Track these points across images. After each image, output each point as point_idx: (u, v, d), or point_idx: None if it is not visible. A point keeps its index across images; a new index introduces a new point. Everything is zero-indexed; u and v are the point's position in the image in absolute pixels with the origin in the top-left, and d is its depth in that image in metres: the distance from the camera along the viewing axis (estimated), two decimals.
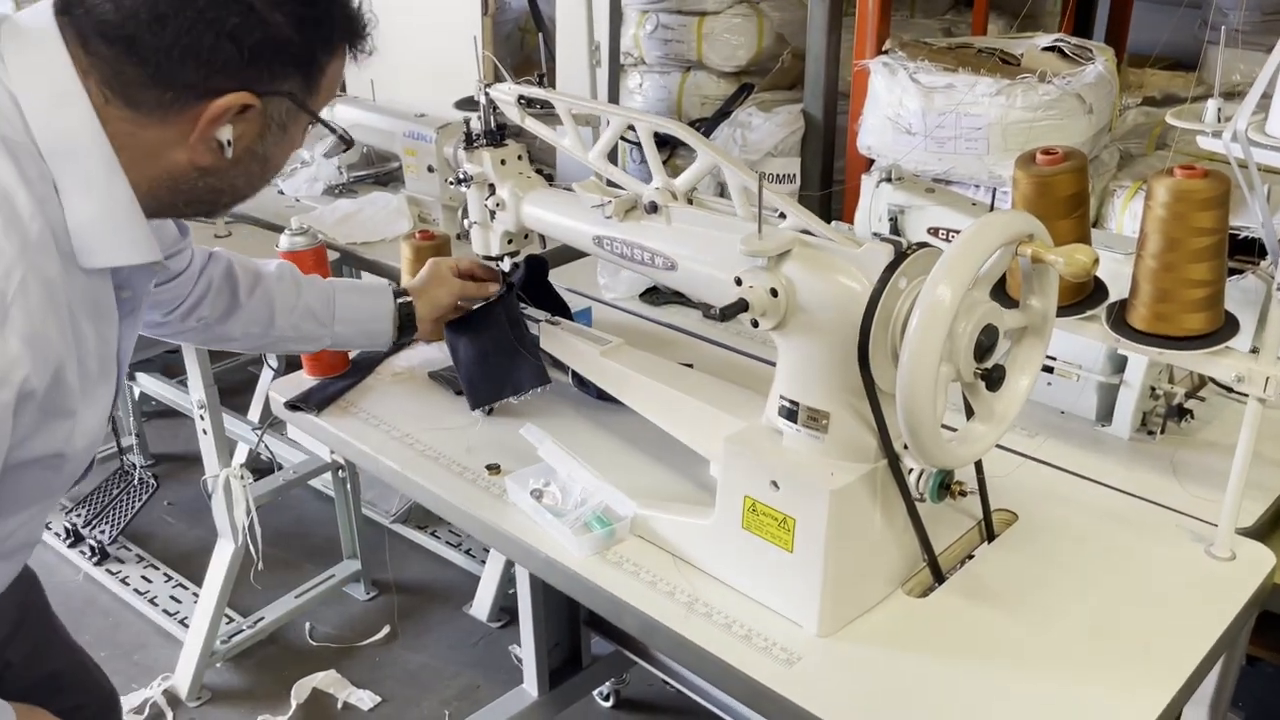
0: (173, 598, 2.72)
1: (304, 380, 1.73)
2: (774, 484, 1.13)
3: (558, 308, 1.65)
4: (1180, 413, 1.51)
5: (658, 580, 1.25)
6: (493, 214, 1.48)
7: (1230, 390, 1.58)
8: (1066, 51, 2.18)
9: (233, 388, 3.50)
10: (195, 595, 2.62)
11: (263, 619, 2.56)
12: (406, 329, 1.59)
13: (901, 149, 2.16)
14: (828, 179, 2.54)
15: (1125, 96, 2.60)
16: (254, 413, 3.31)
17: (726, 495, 1.19)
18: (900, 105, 2.14)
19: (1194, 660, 1.09)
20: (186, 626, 2.52)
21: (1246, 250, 1.90)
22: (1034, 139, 1.99)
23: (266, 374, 3.37)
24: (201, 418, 2.26)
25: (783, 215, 1.14)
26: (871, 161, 2.25)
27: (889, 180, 1.74)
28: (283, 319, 1.50)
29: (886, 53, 2.22)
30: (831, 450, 1.12)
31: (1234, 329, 1.21)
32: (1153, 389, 1.50)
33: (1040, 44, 2.23)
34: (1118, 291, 1.32)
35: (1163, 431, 1.51)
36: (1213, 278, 1.17)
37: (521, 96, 1.40)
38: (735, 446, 1.17)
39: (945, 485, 1.11)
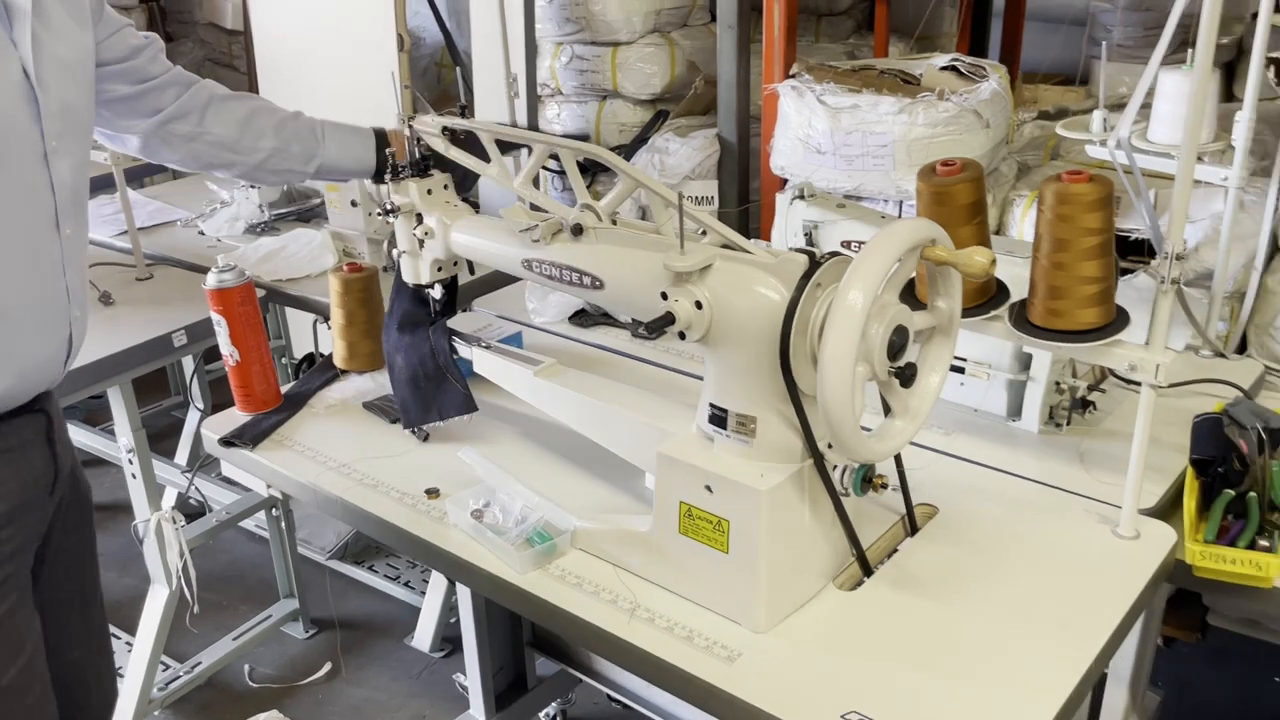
0: None
1: (236, 416, 1.73)
2: (708, 488, 1.18)
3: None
4: (1084, 404, 1.61)
5: (600, 590, 1.28)
6: (421, 243, 1.51)
7: (1129, 382, 1.68)
8: (962, 70, 2.29)
9: (156, 433, 3.45)
10: (129, 645, 2.56)
11: (200, 664, 2.52)
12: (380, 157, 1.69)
13: (812, 168, 2.24)
14: (744, 199, 2.62)
15: (1021, 111, 2.73)
16: (181, 456, 3.27)
17: (663, 502, 1.23)
18: (809, 126, 2.23)
19: (1108, 630, 1.17)
20: (122, 676, 2.47)
21: (1137, 251, 2.03)
22: (935, 154, 2.09)
23: (193, 416, 3.33)
24: (130, 461, 2.23)
25: (704, 232, 1.20)
26: (785, 181, 2.33)
27: (802, 197, 1.82)
28: (273, 135, 1.66)
29: (794, 76, 2.31)
30: (760, 453, 1.17)
31: (1125, 321, 1.30)
32: (1057, 384, 1.59)
33: (938, 64, 2.34)
34: (1020, 293, 1.40)
35: (1069, 423, 1.60)
36: (1102, 274, 1.26)
37: (445, 127, 1.44)
38: (669, 455, 1.22)
39: (867, 479, 1.17)
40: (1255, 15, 2.42)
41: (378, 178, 1.69)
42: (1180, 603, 2.30)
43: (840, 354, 1.02)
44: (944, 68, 2.33)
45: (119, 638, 2.68)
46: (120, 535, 3.01)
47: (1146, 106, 1.87)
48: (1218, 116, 1.86)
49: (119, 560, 3.00)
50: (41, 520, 1.45)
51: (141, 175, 3.71)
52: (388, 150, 1.56)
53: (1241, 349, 1.96)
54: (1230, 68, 2.75)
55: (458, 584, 2.11)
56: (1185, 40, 1.59)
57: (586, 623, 1.24)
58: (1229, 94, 2.74)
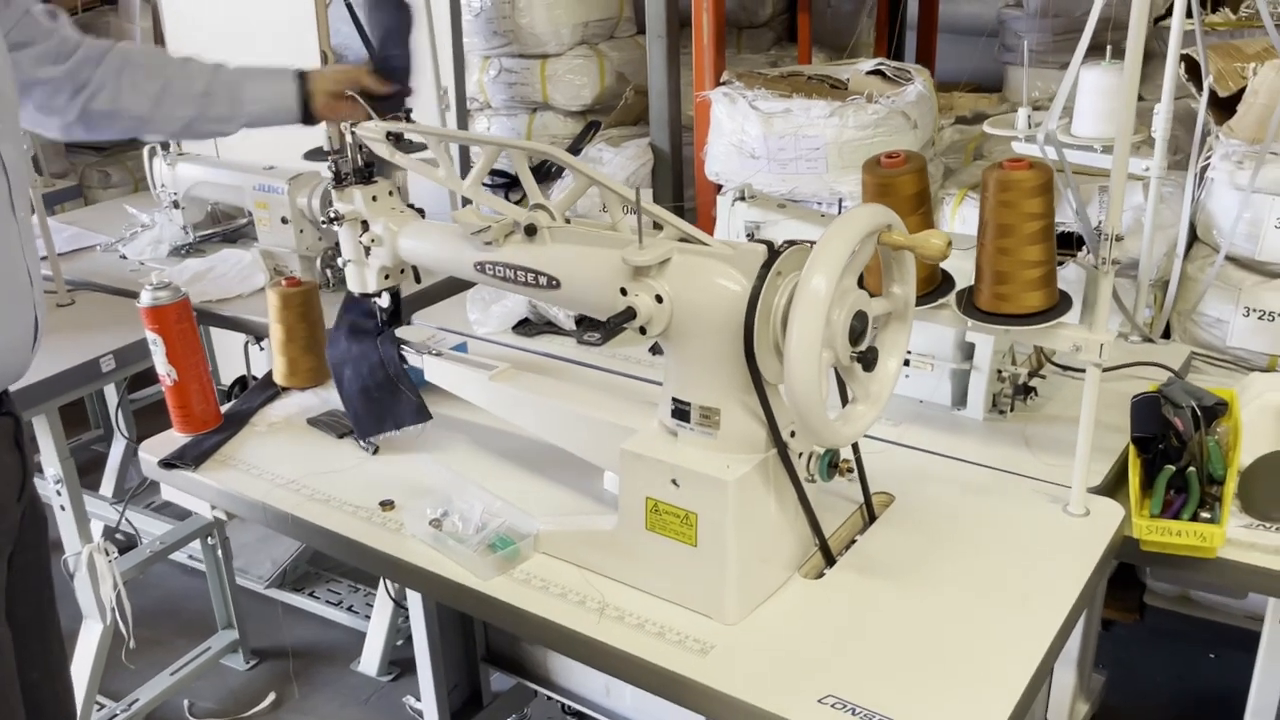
0: None
1: (175, 438, 1.68)
2: (674, 482, 1.18)
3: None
4: (1025, 391, 1.65)
5: (567, 592, 1.27)
6: (368, 250, 1.49)
7: (1066, 368, 1.73)
8: (888, 74, 2.35)
9: (79, 468, 3.32)
10: None
11: (137, 700, 2.43)
12: (307, 106, 1.64)
13: (747, 173, 2.27)
14: (679, 209, 2.65)
15: (939, 118, 2.81)
16: (105, 489, 3.16)
17: (628, 499, 1.23)
18: (743, 131, 2.26)
19: (1068, 604, 1.20)
20: None
21: (1065, 244, 2.09)
22: (867, 155, 2.13)
23: (117, 447, 3.23)
24: (59, 493, 2.15)
25: (659, 226, 1.20)
26: (719, 187, 2.36)
27: (743, 199, 1.84)
28: (192, 103, 1.63)
29: (725, 84, 2.34)
30: (725, 444, 1.18)
31: (1068, 304, 1.34)
32: (999, 372, 1.63)
33: (863, 69, 2.40)
34: (962, 284, 1.43)
35: (1012, 410, 1.64)
36: (1045, 258, 1.30)
37: (389, 133, 1.42)
38: (634, 451, 1.21)
39: (833, 464, 1.18)
40: (1158, 20, 2.54)
41: (307, 120, 1.65)
42: (1118, 585, 2.37)
43: (807, 339, 1.03)
44: (870, 72, 2.39)
45: None
46: None
47: (1068, 107, 1.95)
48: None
49: None
50: (12, 527, 1.39)
51: (52, 203, 3.60)
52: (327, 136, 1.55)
53: (1166, 336, 2.03)
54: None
55: (409, 602, 2.07)
56: (1097, 43, 1.68)
57: (555, 625, 1.23)
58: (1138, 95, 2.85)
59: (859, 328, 1.10)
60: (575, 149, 2.68)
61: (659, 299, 1.16)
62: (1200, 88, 1.94)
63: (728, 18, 3.26)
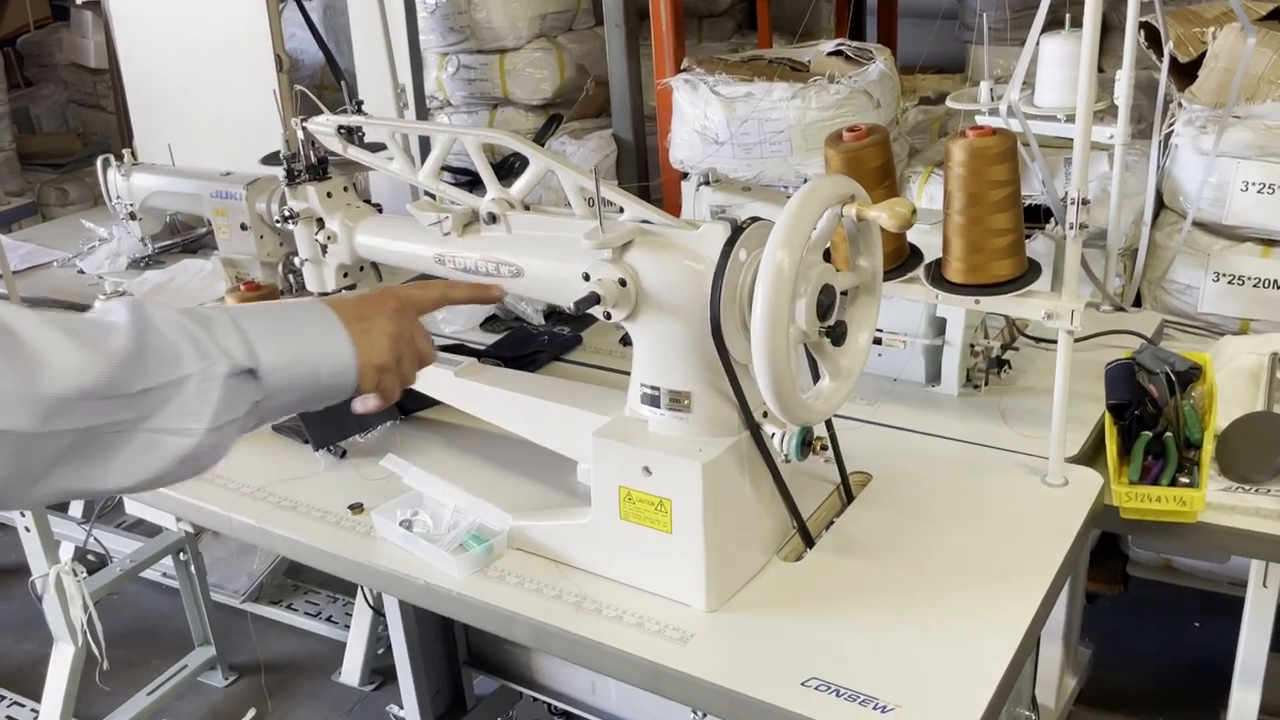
0: (10, 718, 2.50)
1: None
2: (646, 469, 1.15)
3: None
4: (999, 364, 1.63)
5: (543, 587, 1.25)
6: (324, 248, 1.46)
7: (1039, 340, 1.72)
8: (849, 54, 2.33)
9: None
10: (35, 711, 2.41)
11: None
12: None
13: (712, 159, 2.25)
14: (645, 197, 2.62)
15: (903, 100, 2.80)
16: (75, 509, 3.10)
17: (601, 489, 1.20)
18: (705, 118, 2.23)
19: (1050, 574, 1.18)
20: None
21: (1031, 217, 2.09)
22: None
23: None
24: (23, 514, 2.10)
25: (620, 210, 1.18)
26: (685, 174, 2.34)
27: (708, 183, 1.82)
28: None
29: (686, 70, 2.32)
30: (697, 428, 1.16)
31: (1038, 272, 1.32)
32: (972, 346, 1.62)
33: (824, 50, 2.38)
34: (930, 259, 1.41)
35: (986, 384, 1.63)
36: (1013, 226, 1.28)
37: (341, 127, 1.39)
38: (604, 439, 1.19)
39: (806, 442, 1.16)
40: None
41: None
42: (1101, 557, 2.37)
43: (773, 315, 1.01)
44: (830, 53, 2.37)
45: (23, 705, 2.52)
46: (14, 598, 2.83)
47: (1029, 81, 1.94)
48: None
49: (15, 625, 2.82)
50: None
51: (9, 221, 3.53)
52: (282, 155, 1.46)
53: (1137, 305, 2.02)
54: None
55: (387, 608, 2.03)
56: (1056, 18, 1.67)
57: (533, 620, 1.20)
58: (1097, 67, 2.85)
59: (826, 302, 1.08)
60: (538, 143, 2.65)
61: (622, 282, 1.13)
62: (1160, 55, 1.93)
63: (686, 8, 3.24)
